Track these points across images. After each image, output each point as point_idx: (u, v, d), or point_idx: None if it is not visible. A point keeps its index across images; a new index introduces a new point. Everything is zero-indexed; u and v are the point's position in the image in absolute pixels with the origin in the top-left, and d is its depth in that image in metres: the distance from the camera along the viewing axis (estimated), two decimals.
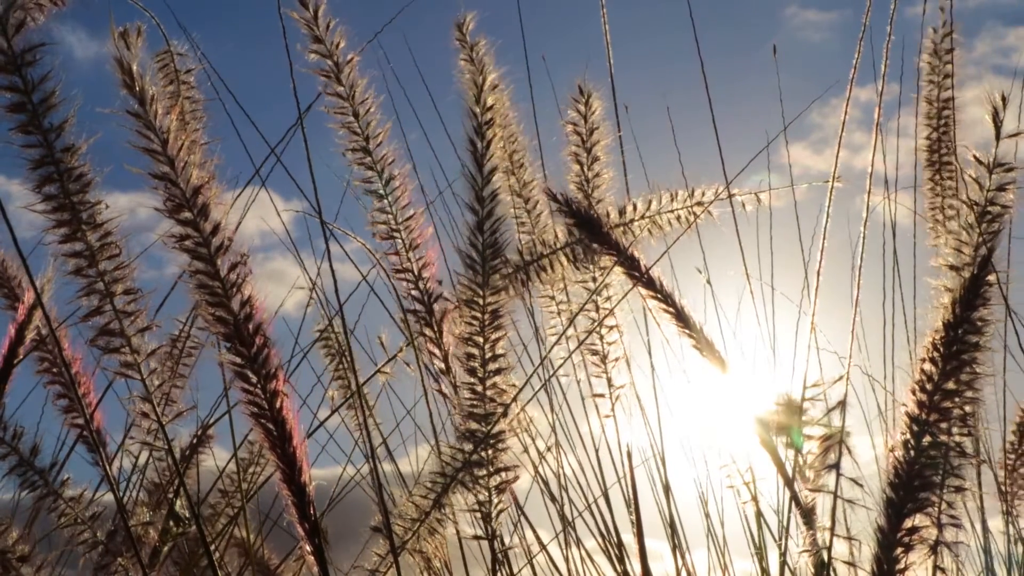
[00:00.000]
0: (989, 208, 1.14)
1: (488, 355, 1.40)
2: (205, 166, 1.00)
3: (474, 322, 1.40)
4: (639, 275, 1.51)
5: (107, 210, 1.07)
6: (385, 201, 1.56)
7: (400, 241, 1.57)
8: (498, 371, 1.40)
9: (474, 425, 1.39)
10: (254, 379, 1.04)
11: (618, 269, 1.56)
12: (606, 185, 1.74)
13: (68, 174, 1.05)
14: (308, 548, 1.14)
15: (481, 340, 1.40)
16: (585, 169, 1.74)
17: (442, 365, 1.60)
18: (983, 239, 1.12)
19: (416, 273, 1.58)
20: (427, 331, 1.59)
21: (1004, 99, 1.13)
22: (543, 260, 1.65)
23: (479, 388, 1.39)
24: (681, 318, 1.51)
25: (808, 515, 1.26)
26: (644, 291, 1.50)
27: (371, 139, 1.54)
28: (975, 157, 1.14)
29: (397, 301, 1.60)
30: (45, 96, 1.04)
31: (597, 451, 1.84)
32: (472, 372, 1.40)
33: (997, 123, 1.12)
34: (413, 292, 1.58)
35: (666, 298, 1.50)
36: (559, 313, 1.75)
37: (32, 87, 1.03)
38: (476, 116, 1.37)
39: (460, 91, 1.73)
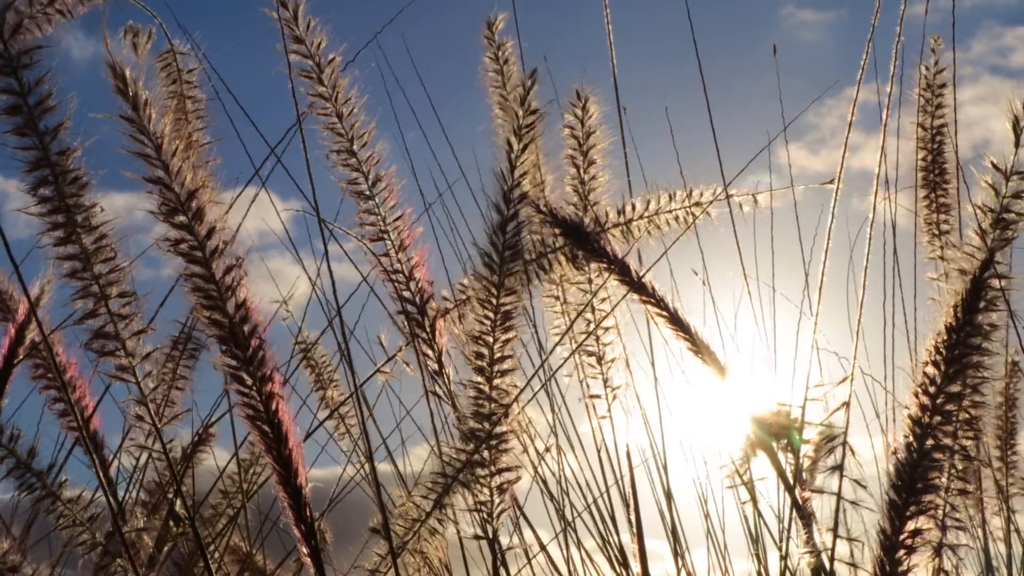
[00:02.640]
0: (1004, 215, 1.13)
1: (497, 355, 1.39)
2: (202, 168, 0.99)
3: (485, 321, 1.40)
4: (631, 281, 1.50)
5: (102, 213, 1.06)
6: (372, 202, 1.55)
7: (389, 242, 1.57)
8: (505, 372, 1.40)
9: (477, 424, 1.39)
10: (249, 382, 1.04)
11: (610, 275, 1.55)
12: (602, 188, 1.74)
13: (64, 177, 1.04)
14: (305, 550, 1.14)
15: (491, 340, 1.40)
16: (581, 172, 1.74)
17: (435, 366, 1.59)
18: (996, 244, 1.11)
19: (407, 274, 1.58)
20: (420, 332, 1.58)
21: None
22: (542, 260, 1.65)
23: (485, 388, 1.39)
24: (676, 322, 1.50)
25: (806, 517, 1.25)
26: (637, 296, 1.49)
27: (355, 140, 1.53)
28: (992, 163, 1.14)
29: (393, 301, 1.60)
30: (41, 99, 1.03)
31: (599, 451, 1.83)
32: (480, 371, 1.40)
33: (1017, 131, 1.12)
34: (404, 293, 1.58)
35: (659, 302, 1.49)
36: (564, 313, 1.74)
37: (28, 90, 1.03)
38: (518, 118, 1.36)
39: (488, 92, 1.75)
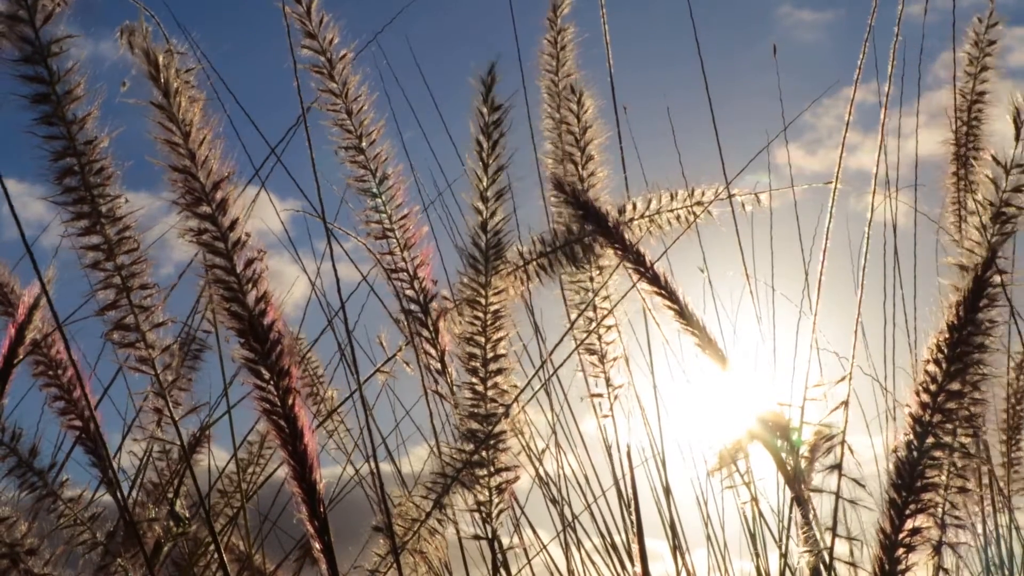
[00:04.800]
0: (1004, 209, 1.13)
1: (490, 355, 1.39)
2: (224, 162, 0.99)
3: (476, 322, 1.40)
4: (644, 270, 1.50)
5: (127, 204, 1.07)
6: (379, 200, 1.55)
7: (395, 241, 1.57)
8: (499, 371, 1.40)
9: (475, 425, 1.39)
10: (267, 375, 1.04)
11: (622, 265, 1.55)
12: (601, 184, 1.74)
13: (89, 167, 1.05)
14: (318, 546, 1.13)
15: (483, 340, 1.40)
16: (579, 168, 1.74)
17: (438, 365, 1.60)
18: (996, 240, 1.12)
19: (411, 273, 1.58)
20: (423, 331, 1.58)
21: None
22: (542, 259, 1.65)
23: (480, 388, 1.39)
24: (684, 315, 1.51)
25: (806, 515, 1.26)
26: (648, 287, 1.50)
27: (364, 137, 1.54)
28: (992, 157, 1.14)
29: (397, 300, 1.60)
30: (70, 88, 1.04)
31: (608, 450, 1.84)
32: (474, 372, 1.40)
33: (1018, 124, 1.12)
34: (408, 292, 1.58)
35: (670, 294, 1.50)
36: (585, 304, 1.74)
37: (57, 78, 1.03)
38: (483, 116, 1.36)
39: (539, 75, 1.75)
